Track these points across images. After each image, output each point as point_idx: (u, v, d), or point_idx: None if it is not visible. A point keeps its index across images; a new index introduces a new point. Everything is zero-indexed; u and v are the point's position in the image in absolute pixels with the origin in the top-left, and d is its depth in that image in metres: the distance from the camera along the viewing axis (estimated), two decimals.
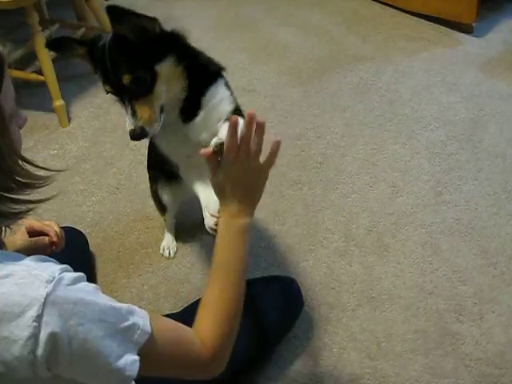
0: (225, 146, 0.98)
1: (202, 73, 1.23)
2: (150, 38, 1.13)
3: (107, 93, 1.17)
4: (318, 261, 1.77)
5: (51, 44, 1.28)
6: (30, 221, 1.26)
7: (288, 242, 1.83)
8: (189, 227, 1.88)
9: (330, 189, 2.01)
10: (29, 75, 2.31)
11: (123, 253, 1.83)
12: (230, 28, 2.97)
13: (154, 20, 1.16)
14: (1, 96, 0.81)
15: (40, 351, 0.72)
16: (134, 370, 0.80)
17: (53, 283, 0.74)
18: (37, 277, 0.75)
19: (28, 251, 1.10)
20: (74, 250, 1.62)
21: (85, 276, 0.83)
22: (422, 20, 2.90)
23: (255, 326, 1.39)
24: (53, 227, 1.29)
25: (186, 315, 1.43)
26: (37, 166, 0.91)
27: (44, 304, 0.72)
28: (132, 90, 1.12)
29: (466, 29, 2.79)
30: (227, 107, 1.32)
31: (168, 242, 1.83)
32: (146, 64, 1.12)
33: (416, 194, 1.97)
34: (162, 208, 1.76)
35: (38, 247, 1.24)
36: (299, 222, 1.89)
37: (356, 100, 2.42)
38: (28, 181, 0.87)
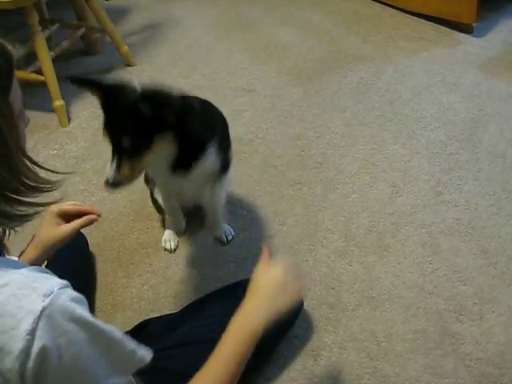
0: None
1: (195, 142, 1.32)
2: (161, 116, 1.19)
3: (104, 133, 1.23)
4: (317, 261, 1.77)
5: (74, 80, 1.30)
6: (60, 205, 1.21)
7: (288, 241, 1.83)
8: (189, 227, 1.87)
9: (330, 189, 2.01)
10: (29, 75, 2.31)
11: (123, 253, 1.83)
12: (230, 28, 2.97)
13: (174, 100, 1.19)
14: (11, 94, 0.81)
15: (30, 364, 0.71)
16: None
17: (50, 297, 0.73)
18: (35, 289, 0.74)
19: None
20: (73, 250, 1.63)
21: (85, 300, 0.82)
22: (422, 20, 2.90)
23: None
24: (84, 206, 1.25)
25: (186, 315, 1.45)
26: (43, 168, 0.90)
27: (39, 318, 0.71)
28: (125, 150, 1.18)
29: (466, 29, 2.79)
30: (218, 167, 1.45)
31: (169, 235, 1.82)
32: (147, 133, 1.18)
33: (416, 194, 1.97)
34: (158, 209, 1.80)
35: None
36: (299, 222, 1.89)
37: (356, 100, 2.42)
38: (35, 184, 0.86)
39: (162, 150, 1.25)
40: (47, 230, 1.20)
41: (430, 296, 1.65)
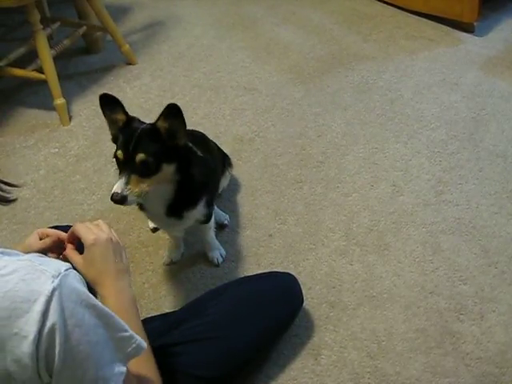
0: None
1: (190, 187, 1.45)
2: (172, 142, 1.35)
3: (114, 157, 1.34)
4: (318, 260, 1.77)
5: (104, 97, 1.39)
6: (44, 229, 1.20)
7: (289, 240, 1.83)
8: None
9: (331, 188, 2.01)
10: (30, 73, 2.32)
11: None
12: (231, 27, 2.97)
13: (186, 138, 1.37)
14: None
15: (43, 345, 0.72)
16: (118, 381, 0.80)
17: (59, 278, 0.75)
18: (43, 272, 0.75)
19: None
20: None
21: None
22: (423, 19, 2.89)
23: (255, 324, 1.39)
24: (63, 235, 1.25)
25: (186, 313, 1.45)
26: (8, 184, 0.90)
27: (50, 298, 0.73)
28: (136, 168, 1.31)
29: (467, 28, 2.79)
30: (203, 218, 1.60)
31: (171, 248, 1.80)
32: (159, 157, 1.33)
33: (417, 193, 1.97)
34: (153, 229, 1.89)
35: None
36: (300, 221, 1.89)
37: (357, 99, 2.41)
38: None
39: (165, 181, 1.38)
40: (20, 246, 1.18)
41: (431, 295, 1.65)
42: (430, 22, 2.87)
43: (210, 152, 1.70)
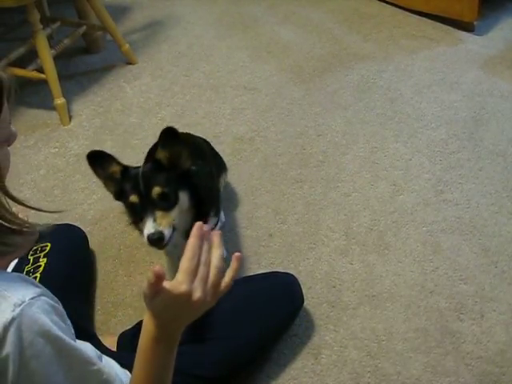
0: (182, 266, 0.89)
1: (201, 206, 1.43)
2: (178, 169, 1.34)
3: (128, 207, 1.34)
4: (318, 259, 1.77)
5: (91, 155, 1.35)
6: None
7: (289, 240, 1.83)
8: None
9: (331, 187, 2.01)
10: (30, 73, 2.31)
11: (124, 251, 1.83)
12: (231, 26, 2.97)
13: (189, 159, 1.35)
14: None
15: None
16: None
17: (21, 307, 0.71)
18: (5, 298, 0.72)
19: None
20: (73, 248, 1.63)
21: (60, 308, 0.79)
22: (424, 18, 2.89)
23: (255, 324, 1.39)
24: None
25: None
26: (28, 206, 0.85)
27: (8, 328, 0.70)
28: (158, 203, 1.29)
29: (467, 27, 2.79)
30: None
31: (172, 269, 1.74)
32: (174, 187, 1.32)
33: (417, 193, 1.97)
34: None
35: None
36: (300, 221, 1.89)
37: (357, 98, 2.41)
38: (14, 227, 0.80)
39: (183, 210, 1.36)
40: None
41: (431, 295, 1.65)
42: (430, 21, 2.87)
43: (204, 158, 1.68)
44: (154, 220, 1.27)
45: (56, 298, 0.84)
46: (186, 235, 1.41)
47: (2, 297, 0.72)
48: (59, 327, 0.77)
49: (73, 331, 0.87)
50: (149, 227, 1.26)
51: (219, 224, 1.83)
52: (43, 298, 0.76)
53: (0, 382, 0.71)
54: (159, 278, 0.84)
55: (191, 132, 1.87)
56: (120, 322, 1.62)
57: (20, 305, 0.72)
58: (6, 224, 0.78)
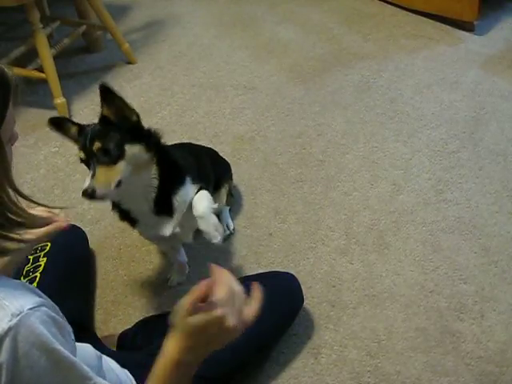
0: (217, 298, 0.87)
1: (171, 168, 1.39)
2: (126, 123, 1.31)
3: (81, 161, 1.31)
4: (318, 259, 1.77)
5: (51, 120, 1.37)
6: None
7: (289, 239, 1.83)
8: None
9: (331, 187, 2.01)
10: (30, 72, 2.31)
11: (124, 250, 1.83)
12: (230, 26, 2.97)
13: (133, 111, 1.32)
14: (3, 126, 0.77)
15: None
16: None
17: (18, 318, 0.71)
18: (3, 307, 0.71)
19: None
20: (72, 248, 1.63)
21: (59, 320, 0.78)
22: (424, 18, 2.89)
23: (255, 323, 1.39)
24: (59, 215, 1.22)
25: None
26: (35, 202, 0.86)
27: (3, 337, 0.70)
28: (98, 157, 1.26)
29: (467, 27, 2.79)
30: (199, 205, 1.40)
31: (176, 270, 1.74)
32: (117, 141, 1.28)
33: (417, 192, 1.97)
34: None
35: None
36: (300, 220, 1.89)
37: (357, 98, 2.41)
38: (21, 220, 0.80)
39: (138, 164, 1.31)
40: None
41: (431, 294, 1.65)
42: (430, 20, 2.87)
43: (198, 159, 1.62)
44: (93, 175, 1.24)
45: (57, 308, 0.83)
46: (155, 205, 1.37)
47: (0, 306, 0.71)
48: (57, 339, 0.76)
49: (74, 344, 0.86)
50: (85, 183, 1.24)
51: (227, 232, 1.83)
52: (43, 308, 0.75)
53: None
54: (209, 288, 0.82)
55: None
56: (120, 321, 1.62)
57: (18, 315, 0.71)
58: (14, 217, 0.78)
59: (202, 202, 1.39)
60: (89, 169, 1.28)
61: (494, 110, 2.31)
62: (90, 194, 1.23)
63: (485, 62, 2.60)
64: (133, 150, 1.30)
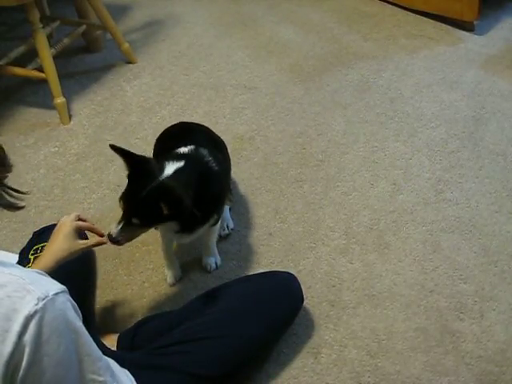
0: None
1: (203, 206, 1.42)
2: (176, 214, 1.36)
3: (120, 201, 1.36)
4: (318, 258, 1.77)
5: (115, 147, 1.38)
6: (76, 222, 1.28)
7: (289, 239, 1.83)
8: None
9: (331, 186, 2.01)
10: (30, 72, 2.31)
11: (124, 250, 1.82)
12: (230, 25, 2.97)
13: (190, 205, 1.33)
14: None
15: (11, 367, 0.70)
16: None
17: (44, 302, 0.72)
18: (30, 292, 0.72)
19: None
20: None
21: (78, 309, 0.81)
22: (423, 18, 2.89)
23: (255, 323, 1.39)
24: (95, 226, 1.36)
25: (186, 313, 1.45)
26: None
27: (29, 320, 0.71)
28: (133, 222, 1.34)
29: (467, 27, 2.79)
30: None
31: (169, 268, 1.74)
32: (153, 222, 1.39)
33: (417, 192, 1.97)
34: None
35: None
36: (300, 220, 1.89)
37: (357, 98, 2.41)
38: None
39: (168, 227, 1.43)
40: (65, 243, 1.22)
41: (431, 294, 1.65)
42: (430, 20, 2.87)
43: (223, 160, 1.66)
44: (122, 228, 1.33)
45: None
46: (180, 229, 1.44)
47: (26, 290, 0.73)
48: (77, 327, 0.78)
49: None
50: (114, 231, 1.33)
51: (226, 231, 1.84)
52: (66, 295, 0.78)
53: (12, 376, 0.71)
54: None
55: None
56: (120, 321, 1.62)
57: (43, 299, 0.73)
58: None
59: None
60: (123, 214, 1.34)
61: (494, 110, 2.31)
62: (113, 240, 1.34)
63: (485, 61, 2.60)
64: (163, 226, 1.45)
